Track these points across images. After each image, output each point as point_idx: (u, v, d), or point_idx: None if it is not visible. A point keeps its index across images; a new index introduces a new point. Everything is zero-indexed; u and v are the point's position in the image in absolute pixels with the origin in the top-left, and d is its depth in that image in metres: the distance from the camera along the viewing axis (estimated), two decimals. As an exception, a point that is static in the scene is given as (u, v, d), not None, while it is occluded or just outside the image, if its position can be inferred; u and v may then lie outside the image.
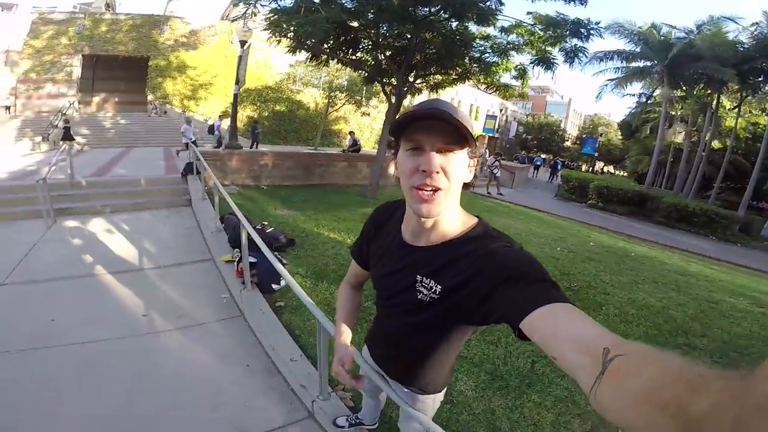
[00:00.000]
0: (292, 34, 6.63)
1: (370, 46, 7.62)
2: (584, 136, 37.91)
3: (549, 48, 6.66)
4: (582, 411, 2.35)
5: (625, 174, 33.47)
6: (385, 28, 7.07)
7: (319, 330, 1.86)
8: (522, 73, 7.54)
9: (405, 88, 7.82)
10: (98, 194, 6.22)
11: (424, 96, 9.35)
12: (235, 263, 3.77)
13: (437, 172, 0.71)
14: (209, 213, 5.44)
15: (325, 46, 7.29)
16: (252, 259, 3.45)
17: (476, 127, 35.48)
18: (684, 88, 17.13)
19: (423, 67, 7.85)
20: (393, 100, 7.96)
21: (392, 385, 1.16)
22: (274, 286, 3.50)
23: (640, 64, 17.31)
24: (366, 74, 8.44)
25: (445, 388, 1.16)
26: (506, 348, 2.90)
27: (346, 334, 1.06)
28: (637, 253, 6.73)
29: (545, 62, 6.78)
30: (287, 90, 22.64)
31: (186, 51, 20.65)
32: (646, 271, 5.37)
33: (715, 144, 18.63)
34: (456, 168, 0.73)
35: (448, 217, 0.80)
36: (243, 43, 8.11)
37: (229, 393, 2.26)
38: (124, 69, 20.06)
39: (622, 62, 17.07)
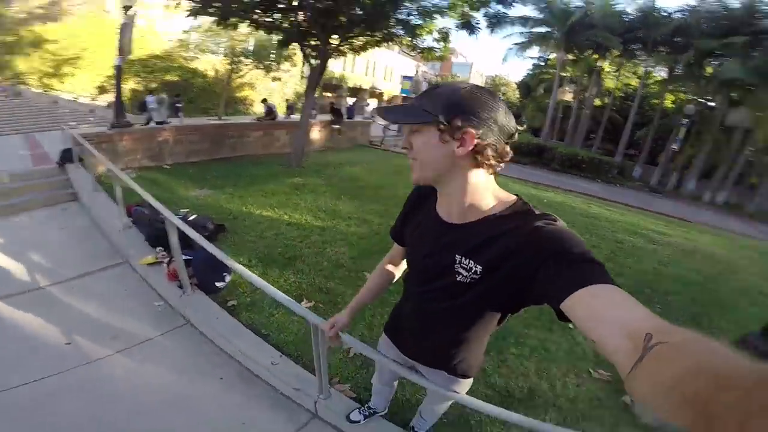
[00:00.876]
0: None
1: (287, 7, 6.85)
2: (488, 96, 40.42)
3: (473, 12, 6.75)
4: (554, 357, 2.58)
5: (522, 129, 36.93)
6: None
7: (313, 330, 1.65)
8: (445, 37, 7.58)
9: (329, 50, 7.32)
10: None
11: (341, 59, 8.97)
12: (165, 265, 3.22)
13: (405, 147, 0.81)
14: (108, 207, 4.52)
15: (234, 6, 6.34)
16: (185, 257, 2.96)
17: (393, 89, 35.13)
18: (576, 52, 19.30)
19: (348, 29, 7.39)
20: (315, 63, 7.48)
21: (424, 371, 1.16)
22: (218, 285, 3.08)
23: (543, 30, 18.99)
24: (282, 37, 7.67)
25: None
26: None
27: (350, 310, 1.22)
28: (549, 199, 7.59)
29: (469, 27, 6.91)
30: (179, 59, 19.77)
31: (43, 24, 17.00)
32: (560, 216, 6.05)
33: (597, 102, 21.58)
34: (418, 144, 0.78)
35: (466, 192, 0.80)
36: (127, 8, 6.64)
37: (216, 411, 1.99)
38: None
39: (526, 27, 18.49)
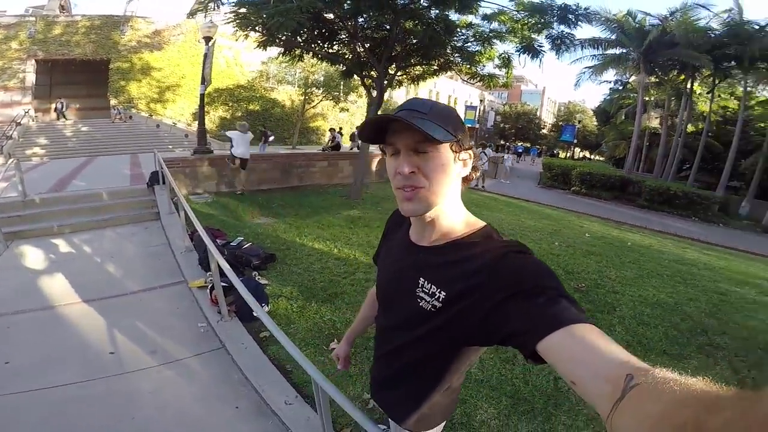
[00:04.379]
0: (261, 27, 6.14)
1: (347, 39, 7.20)
2: (561, 123, 38.67)
3: (534, 35, 6.42)
4: None
5: (602, 159, 34.43)
6: (363, 19, 6.66)
7: (316, 390, 1.50)
8: (506, 62, 7.30)
9: (386, 81, 7.49)
10: (55, 213, 5.55)
11: (404, 89, 9.06)
12: (208, 290, 3.35)
13: (412, 173, 0.70)
14: (178, 229, 4.94)
15: (299, 39, 6.83)
16: (225, 284, 3.02)
17: (456, 120, 35.95)
18: (659, 74, 17.51)
19: (404, 59, 7.51)
20: (374, 93, 7.64)
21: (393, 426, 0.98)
22: (256, 314, 3.10)
23: (617, 51, 17.67)
24: (344, 68, 8.05)
25: (443, 424, 0.98)
26: (524, 365, 2.63)
27: (347, 339, 1.27)
28: (633, 243, 6.63)
29: (531, 50, 6.56)
30: (260, 88, 21.96)
31: (150, 52, 19.78)
32: (648, 263, 5.23)
33: (689, 128, 19.14)
34: (434, 166, 0.70)
35: (449, 216, 0.76)
36: (208, 39, 7.53)
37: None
38: (84, 73, 19.06)
39: (598, 50, 17.35)
